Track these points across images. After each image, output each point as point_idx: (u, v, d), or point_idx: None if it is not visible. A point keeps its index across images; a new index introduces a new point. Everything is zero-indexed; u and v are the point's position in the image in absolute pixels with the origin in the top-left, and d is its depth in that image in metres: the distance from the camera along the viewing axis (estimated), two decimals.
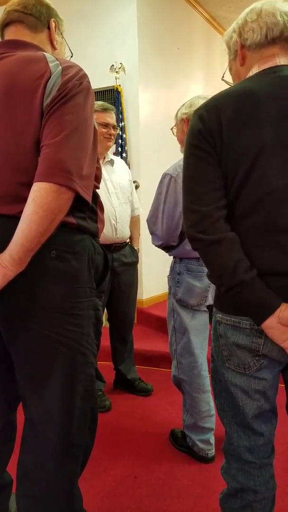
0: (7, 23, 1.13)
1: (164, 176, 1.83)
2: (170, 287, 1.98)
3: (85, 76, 1.03)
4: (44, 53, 1.05)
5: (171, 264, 1.99)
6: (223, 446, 1.14)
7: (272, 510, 1.11)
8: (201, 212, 0.96)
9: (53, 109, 0.95)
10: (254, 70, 1.02)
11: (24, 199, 0.95)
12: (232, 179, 0.96)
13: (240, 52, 1.06)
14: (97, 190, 1.14)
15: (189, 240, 1.00)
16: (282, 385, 1.11)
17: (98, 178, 1.14)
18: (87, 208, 1.08)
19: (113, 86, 3.70)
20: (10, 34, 1.13)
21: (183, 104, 1.92)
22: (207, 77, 4.96)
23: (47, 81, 0.97)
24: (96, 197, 1.14)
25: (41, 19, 1.13)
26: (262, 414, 1.04)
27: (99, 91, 3.76)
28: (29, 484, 1.12)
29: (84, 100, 0.99)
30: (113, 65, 3.68)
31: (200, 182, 0.97)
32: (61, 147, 0.93)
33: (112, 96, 3.71)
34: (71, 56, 1.25)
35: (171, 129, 1.97)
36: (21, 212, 0.95)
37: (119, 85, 3.68)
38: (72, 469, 1.13)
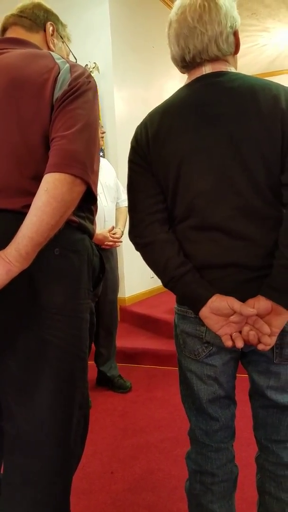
0: (5, 28, 1.17)
1: None
2: None
3: (91, 76, 1.04)
4: (49, 51, 1.06)
5: None
6: (187, 431, 1.20)
7: (233, 494, 1.16)
8: (135, 218, 1.08)
9: (65, 102, 0.94)
10: (187, 80, 1.07)
11: (28, 193, 0.91)
12: (166, 188, 1.04)
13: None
14: None
15: (132, 243, 1.11)
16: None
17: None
18: (87, 208, 1.06)
19: None
20: (8, 35, 1.16)
21: None
22: (184, 76, 4.97)
23: (57, 75, 0.96)
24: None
25: (37, 21, 1.15)
26: (217, 399, 1.09)
27: None
28: (17, 502, 1.00)
29: (93, 98, 1.00)
30: (87, 64, 3.68)
31: (135, 192, 1.08)
32: (76, 139, 0.90)
33: None
34: (76, 62, 1.26)
35: None
36: (26, 206, 0.90)
37: None
38: (65, 484, 1.04)
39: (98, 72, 3.68)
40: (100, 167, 2.69)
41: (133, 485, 1.75)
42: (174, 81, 4.78)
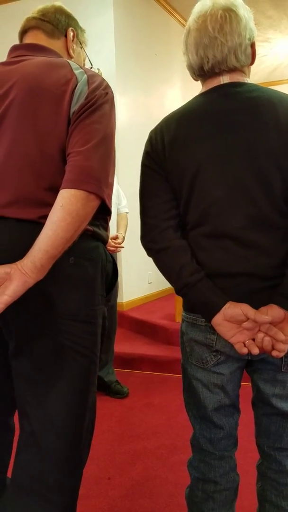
0: (25, 30, 1.16)
1: None
2: None
3: (109, 86, 1.04)
4: (68, 60, 1.06)
5: None
6: (190, 438, 1.19)
7: (234, 503, 1.16)
8: (149, 224, 1.07)
9: (82, 116, 0.95)
10: (203, 89, 1.08)
11: (44, 204, 0.94)
12: (179, 193, 1.04)
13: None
14: None
15: (144, 249, 1.10)
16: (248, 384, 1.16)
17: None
18: (100, 216, 1.06)
19: None
20: (28, 39, 1.15)
21: None
22: (185, 82, 5.02)
23: (74, 87, 0.97)
24: None
25: (59, 27, 1.15)
26: (222, 407, 1.09)
27: None
28: (23, 502, 1.01)
29: (110, 110, 1.01)
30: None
31: (149, 197, 1.07)
32: (91, 155, 0.92)
33: None
34: (91, 67, 1.25)
35: None
36: (42, 217, 0.92)
37: None
38: (74, 486, 1.05)
39: None
40: None
41: (130, 491, 1.75)
42: (175, 89, 4.82)
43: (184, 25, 4.84)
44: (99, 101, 0.97)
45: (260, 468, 1.15)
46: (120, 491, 1.75)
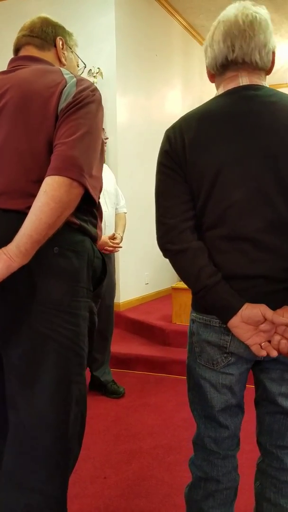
0: (18, 48, 1.24)
1: None
2: None
3: (97, 89, 1.10)
4: (60, 68, 1.14)
5: None
6: (192, 438, 1.20)
7: (234, 502, 1.18)
8: (168, 225, 1.05)
9: (69, 113, 1.01)
10: (220, 91, 1.09)
11: (32, 195, 0.98)
12: (197, 194, 1.04)
13: (208, 73, 1.14)
14: None
15: (160, 250, 1.09)
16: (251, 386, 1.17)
17: (100, 189, 1.18)
18: (89, 212, 1.11)
19: None
20: (22, 54, 1.23)
21: None
22: (185, 84, 5.03)
23: (63, 88, 1.04)
24: (98, 204, 1.17)
25: (47, 39, 1.23)
26: (228, 408, 1.10)
27: None
28: (15, 493, 1.04)
29: (96, 109, 1.06)
30: (90, 69, 3.71)
31: (168, 197, 1.06)
32: (75, 146, 0.98)
33: None
34: (84, 67, 1.32)
35: None
36: (28, 207, 0.97)
37: None
38: (64, 477, 1.08)
39: (102, 77, 3.71)
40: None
41: (126, 491, 1.75)
42: (176, 90, 4.84)
43: (185, 27, 4.87)
44: (86, 100, 1.03)
45: (260, 465, 1.16)
46: (116, 491, 1.75)
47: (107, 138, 2.46)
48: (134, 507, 1.65)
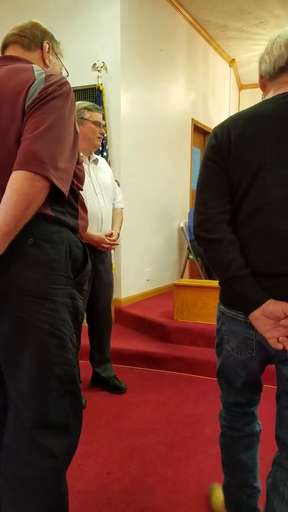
0: (6, 45, 1.30)
1: None
2: None
3: (66, 83, 1.13)
4: (33, 64, 1.17)
5: None
6: (219, 395, 1.39)
7: (257, 446, 1.36)
8: (205, 214, 1.12)
9: (33, 109, 1.05)
10: (270, 95, 1.14)
11: (4, 190, 1.03)
12: (236, 189, 1.10)
13: (260, 81, 1.21)
14: (84, 191, 1.18)
15: (195, 238, 1.16)
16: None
17: (80, 179, 1.23)
18: (67, 203, 1.15)
19: (95, 85, 3.70)
20: (8, 52, 1.29)
21: None
22: (189, 79, 5.01)
23: (30, 85, 1.08)
24: (76, 194, 1.21)
25: (35, 40, 1.28)
26: (246, 385, 1.26)
27: (81, 89, 3.76)
28: (12, 466, 1.15)
29: (63, 103, 1.09)
30: (95, 63, 3.68)
31: (208, 189, 1.13)
32: (37, 140, 1.02)
33: (94, 94, 3.71)
34: (67, 76, 1.36)
35: None
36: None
37: (101, 84, 3.69)
38: (54, 449, 1.14)
39: (106, 72, 3.68)
40: (96, 168, 2.76)
41: (129, 486, 1.75)
42: (179, 85, 4.81)
43: (190, 21, 4.84)
44: (51, 95, 1.07)
45: (277, 459, 1.17)
46: (119, 486, 1.75)
47: (102, 133, 2.41)
48: (137, 503, 1.65)
